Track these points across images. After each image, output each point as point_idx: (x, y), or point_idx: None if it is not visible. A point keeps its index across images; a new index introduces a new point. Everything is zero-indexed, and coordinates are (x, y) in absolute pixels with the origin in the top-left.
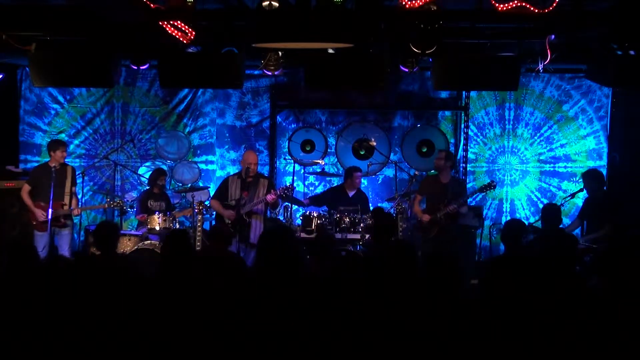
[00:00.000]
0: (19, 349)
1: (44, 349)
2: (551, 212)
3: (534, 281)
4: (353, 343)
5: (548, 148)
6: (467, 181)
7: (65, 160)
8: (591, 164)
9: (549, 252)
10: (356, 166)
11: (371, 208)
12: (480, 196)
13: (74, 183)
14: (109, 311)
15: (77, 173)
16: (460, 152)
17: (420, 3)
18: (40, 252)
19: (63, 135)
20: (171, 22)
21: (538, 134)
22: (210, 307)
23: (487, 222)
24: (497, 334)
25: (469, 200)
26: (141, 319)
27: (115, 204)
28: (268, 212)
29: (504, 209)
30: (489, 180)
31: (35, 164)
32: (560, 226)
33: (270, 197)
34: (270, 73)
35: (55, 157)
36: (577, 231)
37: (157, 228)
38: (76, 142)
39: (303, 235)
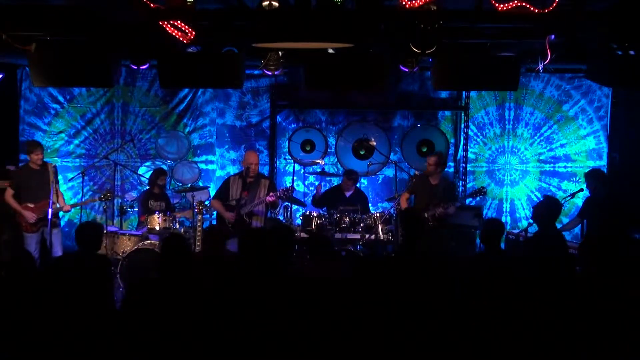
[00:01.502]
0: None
1: (28, 349)
2: (547, 208)
3: (512, 280)
4: (344, 344)
5: (548, 148)
6: (467, 181)
7: (66, 160)
8: (591, 164)
9: (541, 253)
10: (350, 171)
11: (371, 208)
12: (474, 201)
13: (56, 180)
14: (91, 309)
15: (77, 173)
16: (460, 152)
17: (420, 3)
18: (33, 253)
19: (63, 135)
20: (171, 22)
21: (538, 134)
22: (207, 307)
23: None
24: (488, 334)
25: (458, 203)
26: (135, 319)
27: (104, 196)
28: (269, 212)
29: (504, 209)
30: (479, 186)
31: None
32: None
33: (269, 199)
34: (270, 73)
35: (32, 160)
36: (577, 230)
37: (157, 228)
38: (76, 142)
39: (303, 235)
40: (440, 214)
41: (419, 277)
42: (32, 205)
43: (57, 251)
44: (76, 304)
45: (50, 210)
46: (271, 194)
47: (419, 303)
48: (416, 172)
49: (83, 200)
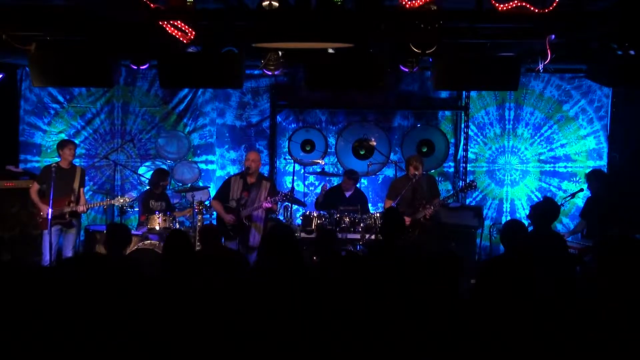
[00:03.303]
0: (21, 350)
1: (46, 349)
2: (542, 209)
3: (533, 281)
4: (354, 343)
5: (548, 148)
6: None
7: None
8: (591, 164)
9: (540, 253)
10: (351, 170)
11: (370, 208)
12: (481, 197)
13: (82, 184)
14: (112, 311)
15: None
16: (460, 152)
17: (420, 3)
18: (47, 252)
19: (63, 135)
20: (171, 22)
21: (538, 134)
22: (213, 306)
23: (487, 222)
24: (494, 336)
25: (450, 200)
26: (145, 319)
27: (119, 200)
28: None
29: (504, 209)
30: (470, 180)
31: (36, 164)
32: (561, 228)
33: (266, 205)
34: (270, 73)
35: (64, 156)
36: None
37: (157, 228)
38: (76, 142)
39: (303, 235)
40: (432, 213)
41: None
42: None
43: (68, 253)
44: (104, 304)
45: (50, 210)
46: (269, 198)
47: (421, 303)
48: (416, 172)
49: (103, 201)
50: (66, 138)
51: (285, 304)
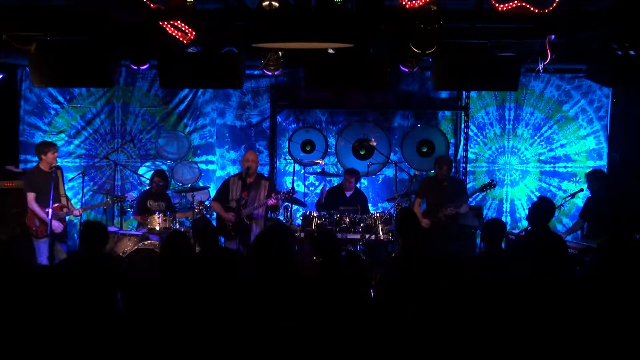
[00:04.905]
0: (19, 349)
1: (43, 348)
2: (540, 211)
3: (513, 280)
4: (348, 341)
5: (548, 148)
6: (467, 181)
7: (66, 160)
8: (591, 164)
9: (539, 253)
10: (352, 169)
11: (370, 208)
12: (480, 196)
13: (63, 184)
14: (98, 310)
15: (77, 173)
16: (460, 152)
17: (420, 3)
18: (45, 259)
19: (63, 135)
20: (171, 22)
21: (538, 134)
22: (210, 306)
23: None
24: (492, 335)
25: (469, 200)
26: (138, 318)
27: (116, 199)
28: (269, 213)
29: (504, 209)
30: (489, 180)
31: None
32: (561, 228)
33: (271, 202)
34: (270, 73)
35: (47, 160)
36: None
37: (157, 228)
38: (76, 142)
39: (303, 235)
40: (451, 213)
41: (421, 277)
42: (48, 210)
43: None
44: (84, 304)
45: (50, 211)
46: (273, 195)
47: (423, 303)
48: (416, 172)
49: (96, 203)
50: (45, 140)
51: (273, 304)
